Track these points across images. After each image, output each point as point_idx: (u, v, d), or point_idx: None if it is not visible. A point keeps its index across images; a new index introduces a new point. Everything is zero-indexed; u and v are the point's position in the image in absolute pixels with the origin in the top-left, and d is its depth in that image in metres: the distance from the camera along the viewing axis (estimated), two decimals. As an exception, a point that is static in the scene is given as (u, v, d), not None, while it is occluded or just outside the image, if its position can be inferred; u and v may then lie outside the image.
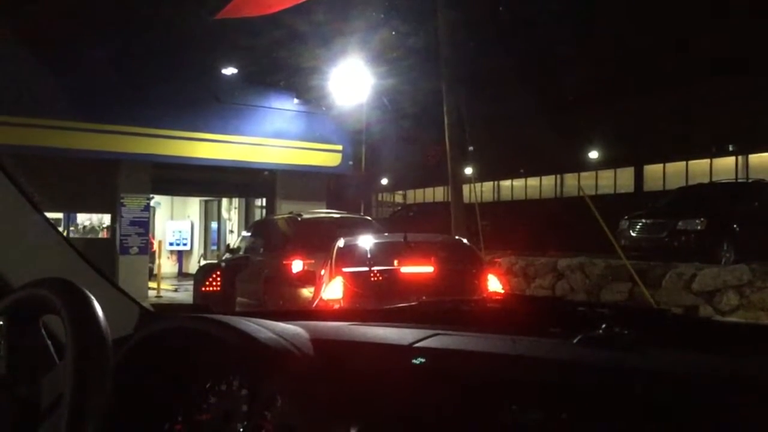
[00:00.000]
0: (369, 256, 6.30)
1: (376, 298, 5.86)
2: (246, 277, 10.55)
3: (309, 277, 7.48)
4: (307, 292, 8.51)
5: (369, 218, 11.39)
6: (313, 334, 1.31)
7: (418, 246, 6.54)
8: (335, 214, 11.23)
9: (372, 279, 6.04)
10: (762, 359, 1.18)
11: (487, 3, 16.68)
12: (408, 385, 1.16)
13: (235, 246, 12.33)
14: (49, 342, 1.16)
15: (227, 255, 12.22)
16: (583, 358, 1.19)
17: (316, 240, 8.94)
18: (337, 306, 5.89)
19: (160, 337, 1.34)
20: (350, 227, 9.67)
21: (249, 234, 12.38)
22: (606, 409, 1.03)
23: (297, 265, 9.01)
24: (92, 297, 1.05)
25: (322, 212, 11.82)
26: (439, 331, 1.38)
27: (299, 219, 10.49)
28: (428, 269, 6.17)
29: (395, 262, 6.21)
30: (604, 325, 1.25)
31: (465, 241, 8.12)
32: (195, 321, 1.34)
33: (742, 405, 0.99)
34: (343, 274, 6.12)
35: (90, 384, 0.95)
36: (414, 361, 1.23)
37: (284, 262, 9.33)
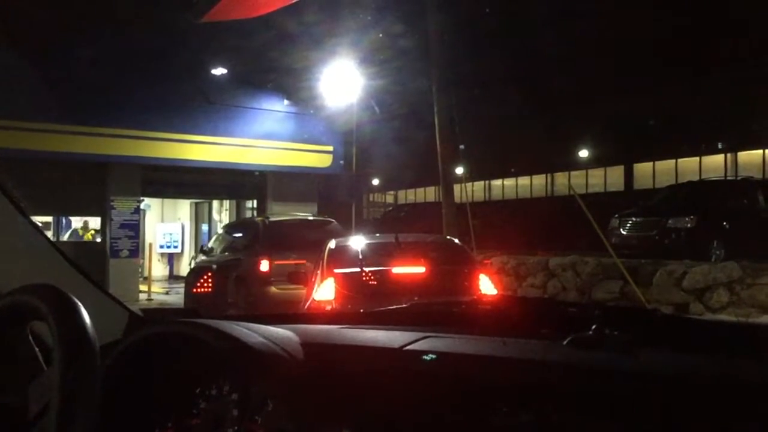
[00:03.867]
0: (361, 256, 6.30)
1: (368, 299, 5.86)
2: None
3: (300, 278, 7.49)
4: (275, 289, 9.71)
5: (332, 220, 11.97)
6: (303, 338, 1.31)
7: (410, 246, 6.54)
8: (301, 217, 12.15)
9: (364, 280, 6.03)
10: (751, 359, 1.18)
11: (477, 4, 16.70)
12: (399, 388, 1.16)
13: (208, 248, 12.98)
14: (36, 349, 1.15)
15: (201, 257, 12.87)
16: (574, 359, 1.19)
17: (283, 240, 10.22)
18: (329, 307, 5.89)
19: (149, 342, 1.34)
20: (314, 228, 10.96)
21: (222, 236, 13.03)
22: (597, 410, 1.03)
23: (264, 264, 9.93)
24: (79, 303, 1.04)
25: (289, 215, 12.70)
26: (430, 334, 1.37)
27: (267, 221, 11.49)
28: (420, 269, 6.17)
29: (387, 263, 6.21)
30: (594, 326, 1.25)
31: (456, 240, 8.13)
32: (184, 326, 1.34)
33: (732, 405, 0.99)
34: (335, 275, 6.11)
35: (77, 391, 0.95)
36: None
37: (253, 261, 10.20)
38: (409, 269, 6.17)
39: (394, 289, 5.88)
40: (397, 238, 6.48)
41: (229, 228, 13.58)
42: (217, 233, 14.82)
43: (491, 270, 10.77)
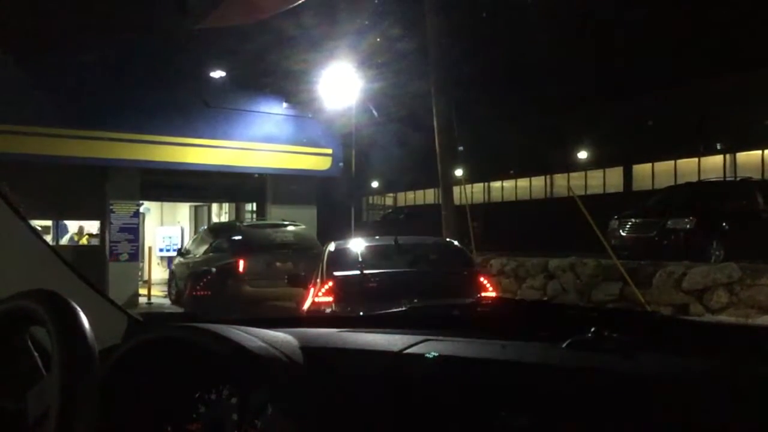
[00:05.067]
0: (360, 259, 6.30)
1: (367, 302, 5.86)
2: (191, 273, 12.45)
3: (299, 281, 7.49)
4: (249, 287, 10.70)
5: (302, 225, 12.95)
6: (302, 342, 1.31)
7: (409, 249, 6.55)
8: (272, 222, 13.25)
9: (363, 282, 6.03)
10: (750, 360, 1.18)
11: (476, 6, 16.72)
12: (398, 391, 1.16)
13: (185, 250, 14.03)
14: (36, 354, 1.15)
15: (179, 258, 13.79)
16: (573, 362, 1.19)
17: (256, 243, 11.45)
18: (328, 310, 5.89)
19: (148, 346, 1.34)
20: (285, 232, 12.10)
21: (198, 238, 13.97)
22: (595, 413, 1.03)
23: (239, 264, 10.98)
24: (78, 308, 1.04)
25: (262, 221, 14.23)
26: (429, 337, 1.37)
27: (241, 225, 12.75)
28: (419, 272, 6.17)
29: (386, 265, 6.21)
30: (593, 329, 1.25)
31: (456, 243, 8.13)
32: (183, 330, 1.34)
33: (732, 407, 0.99)
34: (334, 278, 6.11)
35: (77, 396, 0.95)
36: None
37: (229, 262, 11.22)
38: (409, 272, 6.17)
39: (393, 292, 5.88)
40: (396, 241, 6.48)
41: (205, 232, 14.31)
42: (194, 236, 15.96)
43: (490, 272, 10.79)
